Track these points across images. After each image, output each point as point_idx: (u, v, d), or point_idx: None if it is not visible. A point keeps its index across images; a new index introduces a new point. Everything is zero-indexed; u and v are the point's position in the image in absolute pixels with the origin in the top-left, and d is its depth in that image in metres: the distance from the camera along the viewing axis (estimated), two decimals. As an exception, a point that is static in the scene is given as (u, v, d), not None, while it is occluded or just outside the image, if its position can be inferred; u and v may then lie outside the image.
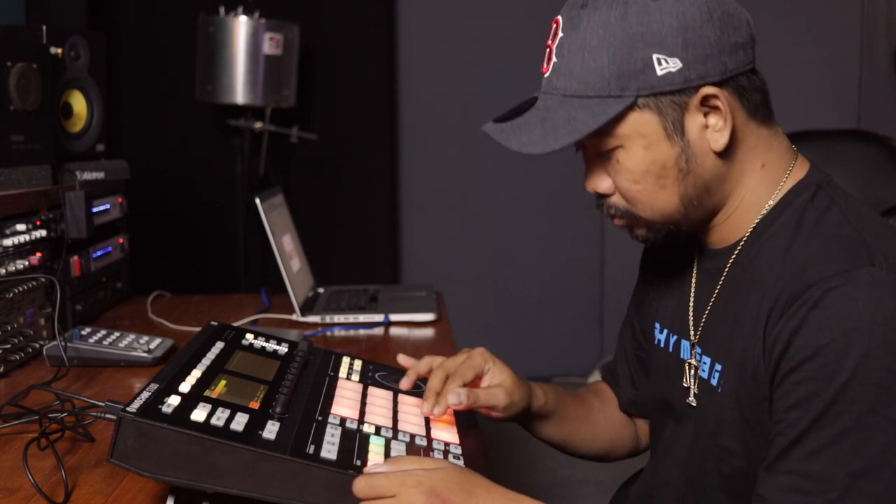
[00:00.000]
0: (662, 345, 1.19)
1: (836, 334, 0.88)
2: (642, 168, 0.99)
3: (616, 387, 1.35)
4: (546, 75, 1.02)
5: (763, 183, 1.03)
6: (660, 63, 0.95)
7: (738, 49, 0.97)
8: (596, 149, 1.02)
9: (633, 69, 0.95)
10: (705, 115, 0.98)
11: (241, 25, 2.97)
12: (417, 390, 1.21)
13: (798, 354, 0.90)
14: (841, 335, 0.87)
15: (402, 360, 1.28)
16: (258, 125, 3.15)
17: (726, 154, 1.00)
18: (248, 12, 3.00)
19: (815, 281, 0.91)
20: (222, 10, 3.01)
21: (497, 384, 1.16)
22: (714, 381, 1.05)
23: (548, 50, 1.02)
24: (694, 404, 1.10)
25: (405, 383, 1.21)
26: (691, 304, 1.13)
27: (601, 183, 1.04)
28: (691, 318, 1.12)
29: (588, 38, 0.96)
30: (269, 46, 2.99)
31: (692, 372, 1.11)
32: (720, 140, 0.98)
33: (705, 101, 0.97)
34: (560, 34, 1.00)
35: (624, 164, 1.00)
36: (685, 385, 1.12)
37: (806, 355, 0.89)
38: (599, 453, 1.34)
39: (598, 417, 1.33)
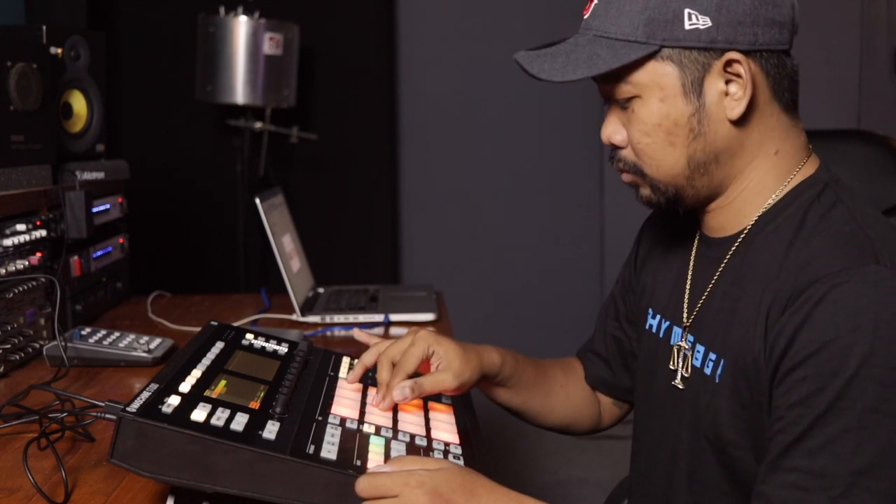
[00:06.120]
0: (654, 330, 1.19)
1: (841, 331, 0.88)
2: (655, 120, 1.01)
3: (587, 362, 1.35)
4: (585, 17, 1.04)
5: (773, 172, 1.04)
6: (690, 18, 0.96)
7: (773, 25, 0.98)
8: (616, 97, 1.04)
9: (663, 19, 0.97)
10: (727, 82, 0.99)
11: (241, 25, 2.97)
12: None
13: (801, 351, 0.90)
14: (845, 332, 0.88)
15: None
16: (258, 125, 3.15)
17: (741, 126, 1.01)
18: (248, 12, 3.00)
19: (820, 277, 0.91)
20: (222, 10, 3.01)
21: (444, 369, 1.14)
22: (708, 371, 1.05)
23: None
24: (681, 387, 1.10)
25: (352, 376, 1.19)
26: (687, 290, 1.13)
27: (616, 134, 1.06)
28: (686, 305, 1.12)
29: None
30: (269, 46, 2.99)
31: (681, 355, 1.11)
32: (736, 108, 0.99)
33: (728, 67, 0.98)
34: None
35: (638, 114, 1.02)
36: (671, 368, 1.12)
37: (809, 351, 0.89)
38: (557, 425, 1.34)
39: (559, 391, 1.32)
